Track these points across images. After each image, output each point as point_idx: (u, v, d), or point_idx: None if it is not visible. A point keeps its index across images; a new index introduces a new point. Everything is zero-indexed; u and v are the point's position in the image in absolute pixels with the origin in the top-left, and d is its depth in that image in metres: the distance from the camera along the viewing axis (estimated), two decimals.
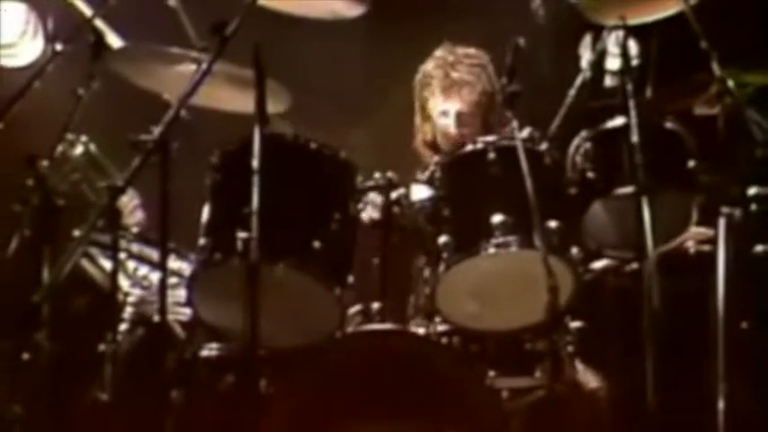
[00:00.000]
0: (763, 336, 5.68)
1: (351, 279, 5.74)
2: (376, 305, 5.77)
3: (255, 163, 5.25)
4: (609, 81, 5.81)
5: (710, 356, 5.52)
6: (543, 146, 5.69)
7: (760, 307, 5.68)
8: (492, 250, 5.55)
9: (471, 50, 6.53)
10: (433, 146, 6.49)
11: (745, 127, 5.50)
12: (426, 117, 6.55)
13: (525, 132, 5.68)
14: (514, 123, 5.59)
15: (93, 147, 5.95)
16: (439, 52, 6.57)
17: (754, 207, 5.55)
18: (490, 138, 5.89)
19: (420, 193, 5.76)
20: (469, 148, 5.88)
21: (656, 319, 5.31)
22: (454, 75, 6.47)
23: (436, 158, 6.05)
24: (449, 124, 6.44)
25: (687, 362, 5.71)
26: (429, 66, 6.54)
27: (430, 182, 5.79)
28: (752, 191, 5.56)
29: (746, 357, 5.61)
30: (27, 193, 5.75)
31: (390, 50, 6.74)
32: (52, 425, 5.81)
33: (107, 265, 5.79)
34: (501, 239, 5.55)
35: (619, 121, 5.61)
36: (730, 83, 5.50)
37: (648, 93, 5.73)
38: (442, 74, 6.50)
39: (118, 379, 5.58)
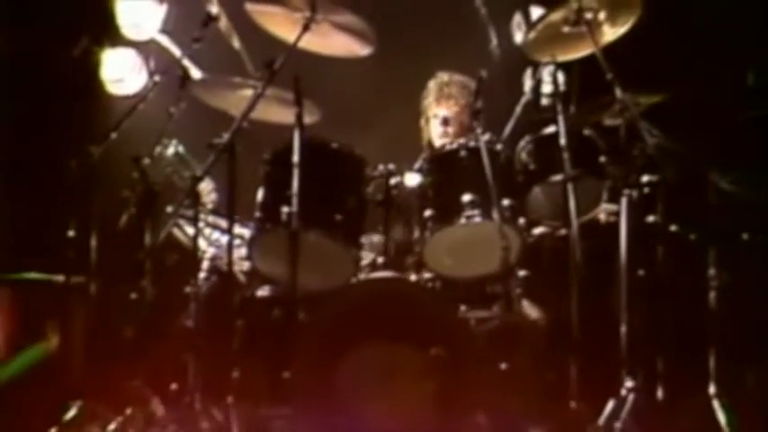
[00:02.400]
0: (653, 280, 5.57)
1: (362, 241, 5.79)
2: (381, 260, 5.82)
3: (295, 158, 5.37)
4: (544, 101, 5.77)
5: (616, 295, 5.54)
6: (499, 146, 5.71)
7: (651, 259, 5.59)
8: (463, 221, 5.60)
9: (461, 77, 6.41)
10: (430, 144, 6.36)
11: (639, 133, 5.46)
12: (426, 120, 6.43)
13: (486, 136, 5.68)
14: (479, 130, 5.63)
15: (181, 148, 5.93)
16: (439, 74, 6.45)
17: (646, 190, 5.56)
18: (462, 140, 5.87)
19: (412, 179, 5.77)
20: (447, 148, 5.93)
21: (578, 270, 5.35)
22: (446, 90, 6.36)
23: (423, 155, 6.02)
24: (438, 124, 6.35)
25: (600, 299, 5.62)
26: (431, 83, 6.41)
27: (419, 171, 5.79)
28: (644, 178, 5.56)
29: (641, 296, 5.52)
30: (133, 182, 5.76)
31: (393, 78, 6.66)
32: (155, 344, 5.77)
33: (191, 231, 5.76)
34: (469, 213, 5.59)
35: (551, 129, 5.63)
36: (628, 102, 5.48)
37: (572, 109, 5.68)
38: (438, 88, 6.39)
39: (199, 312, 5.56)
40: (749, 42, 6.76)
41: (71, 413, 5.52)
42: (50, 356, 5.98)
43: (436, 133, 6.33)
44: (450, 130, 6.26)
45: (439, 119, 6.31)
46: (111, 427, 5.42)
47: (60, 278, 5.92)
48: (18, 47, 6.43)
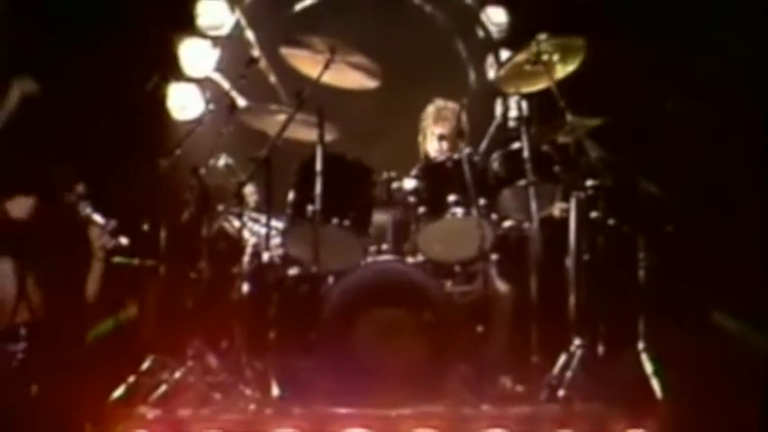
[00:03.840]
0: (596, 262, 5.52)
1: (370, 231, 5.71)
2: (385, 246, 5.79)
3: (318, 167, 5.41)
4: (511, 123, 5.75)
5: (566, 274, 5.54)
6: (476, 158, 5.69)
7: (594, 246, 5.56)
8: (449, 216, 5.59)
9: (454, 103, 6.19)
10: (426, 156, 6.19)
11: (585, 148, 5.45)
12: (424, 137, 6.24)
13: (467, 150, 5.69)
14: (462, 145, 5.74)
15: (229, 160, 5.91)
16: (437, 100, 6.24)
17: (590, 192, 5.56)
18: (449, 153, 5.91)
19: (409, 183, 5.75)
20: (437, 159, 5.94)
21: (538, 254, 5.45)
22: (443, 113, 6.18)
23: (418, 164, 5.94)
24: (435, 140, 6.16)
25: (555, 276, 5.55)
26: (430, 107, 6.22)
27: (415, 177, 5.77)
28: (589, 183, 5.55)
29: (586, 274, 5.51)
30: (192, 187, 5.76)
31: (394, 105, 6.55)
32: (210, 312, 5.71)
33: (237, 224, 5.77)
34: (453, 210, 5.59)
35: (517, 145, 5.61)
36: (576, 124, 5.47)
37: (533, 130, 5.59)
38: (436, 111, 6.20)
39: (243, 287, 5.57)
40: (667, 76, 6.63)
41: (146, 364, 5.53)
42: (130, 321, 5.97)
43: (433, 147, 6.21)
44: (445, 145, 6.15)
45: (436, 135, 6.19)
46: (177, 375, 5.41)
47: (137, 261, 5.94)
48: (109, 83, 6.39)
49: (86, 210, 5.83)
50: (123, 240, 5.83)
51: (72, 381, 5.06)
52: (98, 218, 5.84)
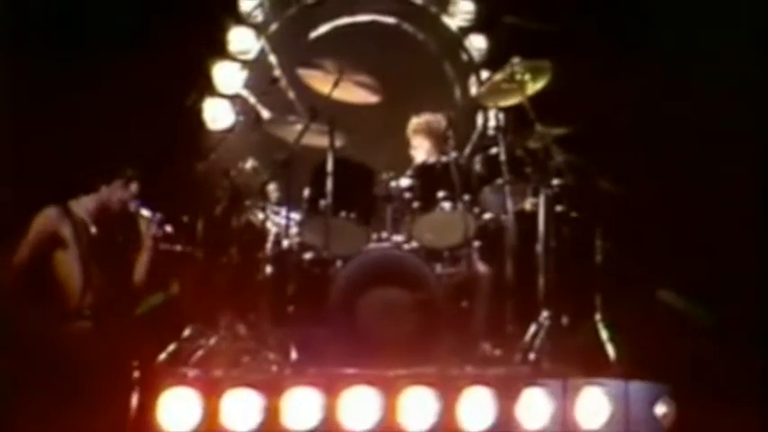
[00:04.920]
0: (561, 248, 5.51)
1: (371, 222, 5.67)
2: (385, 234, 5.75)
3: (329, 168, 5.39)
4: (490, 132, 5.80)
5: (537, 258, 5.42)
6: (461, 161, 5.69)
7: (559, 235, 5.53)
8: (438, 209, 5.58)
9: (437, 115, 6.11)
10: (412, 160, 6.09)
11: (552, 153, 5.48)
12: (408, 145, 6.18)
13: (453, 154, 5.68)
14: (449, 150, 5.73)
15: (255, 163, 5.87)
16: (423, 114, 6.18)
17: (556, 189, 5.58)
18: (437, 157, 5.89)
19: (405, 182, 5.73)
20: (428, 162, 5.91)
21: (512, 241, 5.58)
22: (429, 126, 6.10)
23: (412, 166, 5.95)
24: (419, 149, 6.15)
25: (527, 260, 5.55)
26: (414, 120, 6.16)
27: (410, 177, 5.74)
28: (555, 182, 5.56)
29: (553, 258, 5.47)
30: (224, 186, 5.78)
31: (393, 116, 6.37)
32: (239, 289, 5.70)
33: (261, 216, 5.75)
34: (442, 204, 5.58)
35: (495, 150, 5.64)
36: (544, 133, 5.51)
37: (508, 138, 5.62)
38: (425, 123, 6.12)
39: (267, 269, 5.59)
40: (619, 91, 6.49)
41: (186, 332, 5.53)
42: (174, 297, 5.92)
43: (413, 153, 6.15)
44: (421, 152, 6.05)
45: (413, 144, 6.14)
46: (212, 341, 5.40)
47: (178, 247, 5.92)
48: (156, 98, 6.36)
49: (136, 205, 5.81)
50: (168, 228, 5.82)
51: (127, 347, 5.03)
52: (146, 212, 5.83)
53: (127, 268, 5.78)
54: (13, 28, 5.98)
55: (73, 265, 5.54)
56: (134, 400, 4.57)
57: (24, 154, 5.89)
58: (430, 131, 6.10)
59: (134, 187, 5.81)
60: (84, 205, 5.78)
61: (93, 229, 5.73)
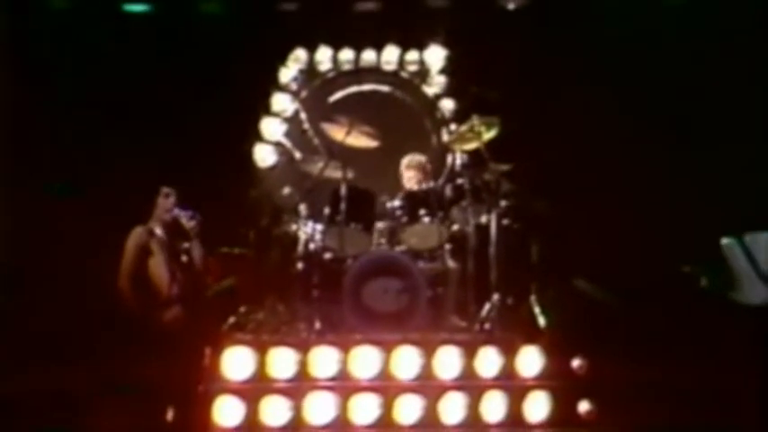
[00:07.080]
0: (507, 250, 5.46)
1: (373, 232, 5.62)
2: (383, 240, 5.71)
3: (342, 193, 5.44)
4: (457, 168, 5.81)
5: (489, 257, 5.47)
6: (437, 189, 5.68)
7: (505, 240, 5.46)
8: (420, 223, 5.58)
9: (419, 156, 6.06)
10: (404, 188, 5.90)
11: (500, 183, 5.43)
12: (401, 177, 6.02)
13: (431, 184, 5.77)
14: (428, 180, 5.85)
15: (290, 190, 5.84)
16: (414, 155, 6.07)
17: (504, 209, 5.55)
18: (420, 185, 5.86)
19: (397, 203, 5.70)
20: (413, 189, 5.85)
21: (473, 245, 5.44)
22: (408, 164, 6.00)
23: (402, 191, 5.84)
24: (407, 180, 6.02)
25: (483, 259, 5.45)
26: (405, 159, 6.04)
27: (401, 199, 5.70)
28: (502, 203, 5.55)
29: (500, 256, 5.41)
30: (268, 206, 5.89)
31: (389, 156, 6.16)
32: (280, 279, 5.64)
33: (294, 227, 5.69)
34: (423, 219, 5.59)
35: (460, 181, 5.60)
36: (495, 170, 5.45)
37: (470, 172, 5.55)
38: (416, 162, 6.00)
39: (299, 266, 5.55)
40: (549, 135, 6.40)
41: (242, 310, 5.59)
42: (232, 286, 5.87)
43: (405, 182, 6.00)
44: (411, 182, 5.93)
45: (404, 177, 6.00)
46: (260, 316, 5.46)
47: (236, 251, 5.96)
48: (224, 145, 6.43)
49: (176, 212, 5.64)
50: (198, 218, 5.63)
51: (202, 321, 5.20)
52: (182, 213, 5.63)
53: (190, 262, 5.70)
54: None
55: (161, 267, 5.53)
56: (207, 356, 4.66)
57: (123, 192, 5.98)
58: (416, 167, 6.07)
59: (171, 199, 5.66)
60: (155, 222, 5.73)
61: (165, 238, 5.69)
